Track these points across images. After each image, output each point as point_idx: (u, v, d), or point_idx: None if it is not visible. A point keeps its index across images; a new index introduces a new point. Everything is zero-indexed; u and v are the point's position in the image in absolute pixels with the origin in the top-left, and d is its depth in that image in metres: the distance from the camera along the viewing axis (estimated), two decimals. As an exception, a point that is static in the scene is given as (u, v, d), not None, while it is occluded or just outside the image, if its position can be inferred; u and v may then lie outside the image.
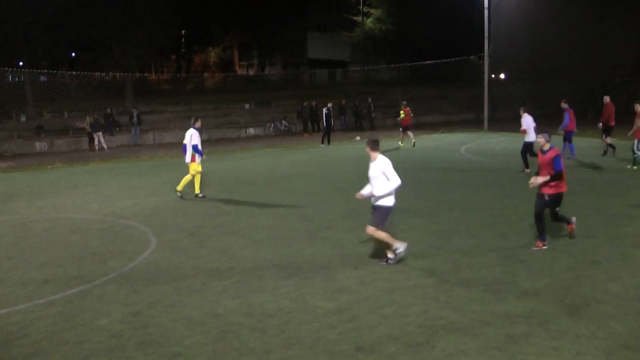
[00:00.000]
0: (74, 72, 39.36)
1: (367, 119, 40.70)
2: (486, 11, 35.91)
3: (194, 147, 16.59)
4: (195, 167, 16.78)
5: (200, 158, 16.78)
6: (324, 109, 31.13)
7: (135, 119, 34.81)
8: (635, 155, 18.93)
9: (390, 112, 43.30)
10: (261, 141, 34.95)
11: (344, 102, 41.56)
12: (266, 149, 28.73)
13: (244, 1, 69.32)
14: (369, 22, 66.48)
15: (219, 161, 25.56)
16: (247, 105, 44.74)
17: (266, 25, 70.97)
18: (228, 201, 16.40)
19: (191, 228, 13.34)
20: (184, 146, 16.74)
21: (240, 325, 7.73)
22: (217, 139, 36.15)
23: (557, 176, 10.55)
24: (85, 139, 33.44)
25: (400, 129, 29.64)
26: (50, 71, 37.73)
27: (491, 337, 7.12)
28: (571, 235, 11.39)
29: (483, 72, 37.02)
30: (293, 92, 53.89)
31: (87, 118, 32.90)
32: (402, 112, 29.27)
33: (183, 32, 72.13)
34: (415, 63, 47.30)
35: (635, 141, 19.06)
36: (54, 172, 24.27)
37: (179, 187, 17.05)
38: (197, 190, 17.04)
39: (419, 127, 37.23)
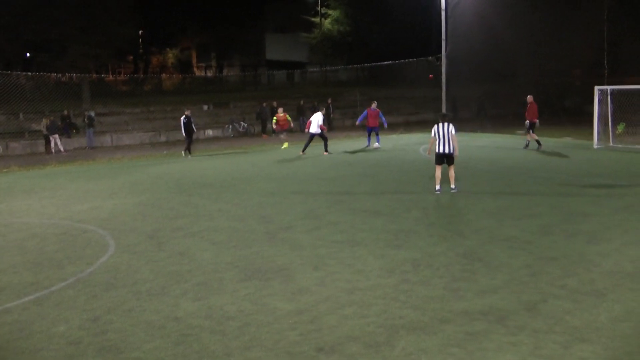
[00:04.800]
0: (29, 73, 38.62)
1: (325, 120, 40.73)
2: (443, 13, 36.23)
3: None
4: None
5: None
6: (182, 117, 27.86)
7: (86, 121, 34.20)
8: None
9: (349, 113, 43.48)
10: (220, 143, 34.80)
11: (302, 102, 41.55)
12: (225, 151, 28.59)
13: (202, 2, 68.94)
14: (327, 23, 66.61)
15: (178, 163, 25.39)
16: (205, 107, 44.47)
17: (224, 26, 70.63)
18: (187, 203, 16.29)
19: (150, 231, 13.22)
20: None
21: (201, 328, 7.69)
22: (175, 141, 35.86)
23: None
24: (42, 142, 32.90)
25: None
26: (4, 72, 37.05)
27: (451, 335, 7.20)
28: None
29: (441, 73, 37.34)
30: (251, 94, 53.75)
31: (43, 120, 32.35)
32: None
33: (140, 32, 71.42)
34: (373, 64, 47.48)
35: None
36: (9, 175, 23.84)
37: None
38: None
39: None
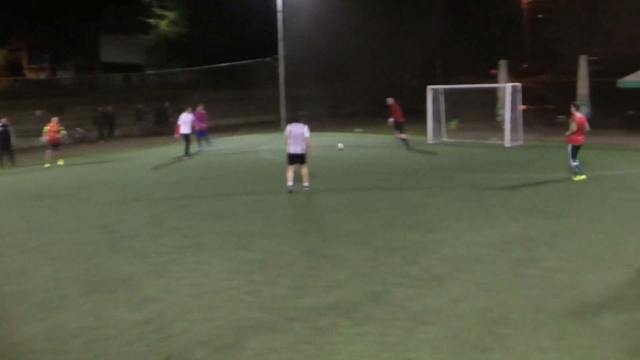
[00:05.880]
0: None
1: (165, 123, 39.96)
2: (279, 14, 36.59)
3: None
4: None
5: None
6: None
7: None
8: (575, 165, 16.89)
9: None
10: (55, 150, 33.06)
11: (140, 106, 40.54)
12: (61, 159, 27.32)
13: (34, 1, 65.48)
14: (163, 25, 65.41)
15: (10, 175, 23.88)
16: (38, 112, 42.21)
17: (57, 27, 67.48)
18: (21, 218, 15.37)
19: (-20, 249, 12.39)
20: None
21: (42, 351, 7.23)
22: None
23: None
24: None
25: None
26: None
27: (299, 332, 7.27)
28: None
29: (278, 74, 37.70)
30: (87, 98, 51.72)
31: None
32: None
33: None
34: (211, 66, 47.15)
35: (570, 147, 16.90)
36: None
37: None
38: None
39: (218, 129, 37.25)
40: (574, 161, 16.75)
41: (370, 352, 6.70)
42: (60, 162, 25.87)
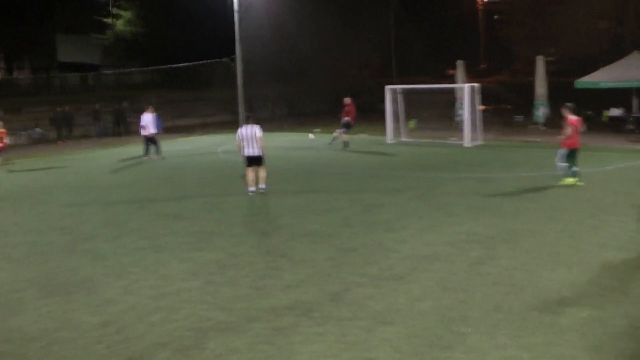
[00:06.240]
0: None
1: (124, 124, 39.52)
2: (236, 14, 36.47)
3: None
4: None
5: None
6: None
7: None
8: (565, 167, 15.90)
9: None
10: (12, 151, 32.21)
11: (97, 106, 40.00)
12: (16, 160, 26.74)
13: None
14: (119, 24, 64.73)
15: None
16: (-4, 112, 41.44)
17: (12, 25, 66.22)
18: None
19: None
20: None
21: (1, 353, 7.15)
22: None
23: None
24: None
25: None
26: None
27: (259, 332, 7.27)
28: None
29: (236, 74, 37.55)
30: (44, 98, 50.94)
31: None
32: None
33: None
34: (168, 66, 46.80)
35: (563, 151, 15.86)
36: None
37: None
38: None
39: (176, 130, 36.98)
40: (563, 163, 15.73)
41: (331, 352, 6.73)
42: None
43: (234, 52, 37.48)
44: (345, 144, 25.53)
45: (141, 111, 25.55)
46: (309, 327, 7.35)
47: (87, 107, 40.89)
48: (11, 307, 8.65)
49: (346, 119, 25.56)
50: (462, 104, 27.65)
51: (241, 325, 7.50)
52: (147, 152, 25.26)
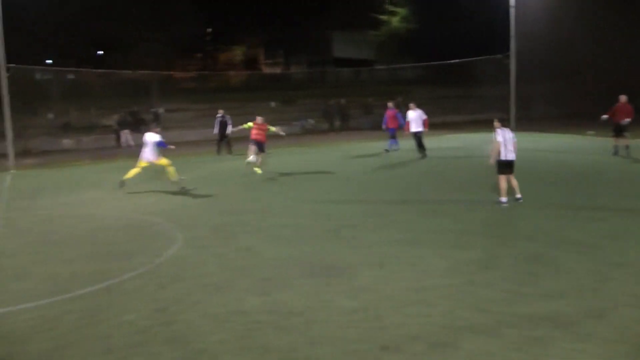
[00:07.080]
0: (100, 70, 39.66)
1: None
2: (512, 9, 35.71)
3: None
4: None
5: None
6: (218, 116, 28.81)
7: (152, 117, 34.78)
8: None
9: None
10: (287, 139, 34.06)
11: (369, 100, 41.45)
12: (290, 148, 28.46)
13: (269, 1, 69.45)
14: (395, 21, 66.31)
15: (227, 161, 25.16)
16: (272, 104, 44.72)
17: (291, 24, 70.96)
18: (252, 199, 16.52)
19: (216, 225, 13.42)
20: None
21: (266, 323, 7.72)
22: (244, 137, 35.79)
23: None
24: (112, 136, 33.72)
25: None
26: (76, 69, 38.11)
27: (514, 339, 7.06)
28: None
29: (509, 71, 36.77)
30: (317, 91, 53.83)
31: (114, 116, 33.22)
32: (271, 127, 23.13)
33: (209, 30, 72.40)
34: (439, 62, 46.97)
35: None
36: (79, 168, 24.51)
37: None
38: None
39: (444, 127, 36.74)
40: None
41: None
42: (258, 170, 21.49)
43: (507, 49, 36.75)
44: (616, 150, 23.07)
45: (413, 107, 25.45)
46: (568, 342, 6.96)
47: (357, 100, 42.49)
48: (277, 283, 9.30)
49: (605, 116, 23.08)
50: None
51: (496, 329, 7.33)
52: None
